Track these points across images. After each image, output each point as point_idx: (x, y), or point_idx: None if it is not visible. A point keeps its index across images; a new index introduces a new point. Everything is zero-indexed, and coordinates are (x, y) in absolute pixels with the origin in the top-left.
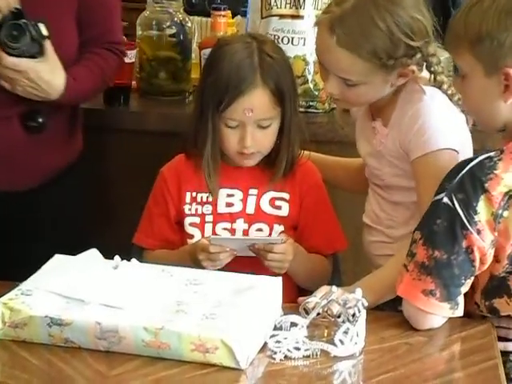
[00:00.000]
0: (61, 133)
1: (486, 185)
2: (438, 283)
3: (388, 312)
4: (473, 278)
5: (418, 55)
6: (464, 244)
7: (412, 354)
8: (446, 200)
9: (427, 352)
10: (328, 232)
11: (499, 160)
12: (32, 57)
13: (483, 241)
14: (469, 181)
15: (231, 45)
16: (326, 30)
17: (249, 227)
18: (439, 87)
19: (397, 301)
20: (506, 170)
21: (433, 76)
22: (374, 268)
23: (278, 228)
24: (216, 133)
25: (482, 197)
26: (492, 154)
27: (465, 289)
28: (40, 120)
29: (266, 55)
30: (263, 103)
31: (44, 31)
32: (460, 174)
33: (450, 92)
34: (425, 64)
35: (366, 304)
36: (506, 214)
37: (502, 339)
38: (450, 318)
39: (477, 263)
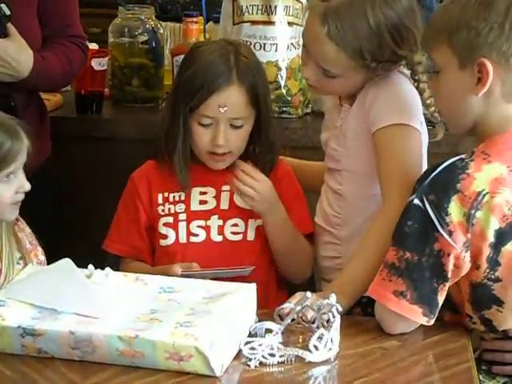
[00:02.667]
0: (30, 132)
1: (458, 185)
2: (409, 285)
3: (362, 317)
4: (447, 283)
5: (403, 62)
6: (435, 246)
7: (386, 359)
8: (416, 202)
9: (401, 356)
10: (303, 215)
11: (471, 160)
12: None
13: (455, 243)
14: (440, 182)
15: (207, 46)
16: (319, 17)
17: (224, 223)
18: (420, 95)
19: (368, 303)
20: (479, 170)
21: (416, 83)
22: (322, 274)
23: (253, 223)
24: (187, 131)
25: (454, 197)
26: (463, 155)
27: (440, 297)
28: (12, 104)
29: (241, 56)
30: (238, 101)
31: (6, 11)
32: (431, 176)
33: (428, 102)
34: (410, 72)
35: (341, 309)
36: (478, 214)
37: None
38: (421, 327)
39: (449, 267)
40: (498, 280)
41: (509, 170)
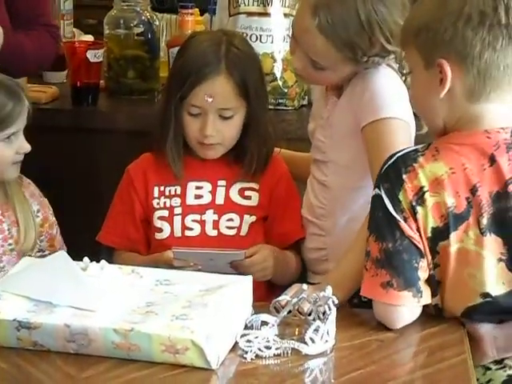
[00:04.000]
0: None
1: (404, 176)
2: (392, 273)
3: (358, 309)
4: (424, 259)
5: (391, 56)
6: (401, 230)
7: (383, 351)
8: (377, 191)
9: (398, 348)
10: (296, 219)
11: (422, 154)
12: None
13: (410, 228)
14: (392, 171)
15: (202, 35)
16: (310, 9)
17: (219, 218)
18: (408, 89)
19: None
20: (423, 166)
21: (404, 78)
22: (309, 267)
23: (249, 218)
24: (178, 120)
25: (401, 187)
26: (420, 147)
27: (422, 273)
28: None
29: (233, 47)
30: (225, 91)
31: None
32: (387, 164)
33: None
34: (397, 66)
35: (337, 301)
36: (419, 209)
37: None
38: (419, 316)
39: (419, 243)
40: (437, 265)
41: (451, 171)
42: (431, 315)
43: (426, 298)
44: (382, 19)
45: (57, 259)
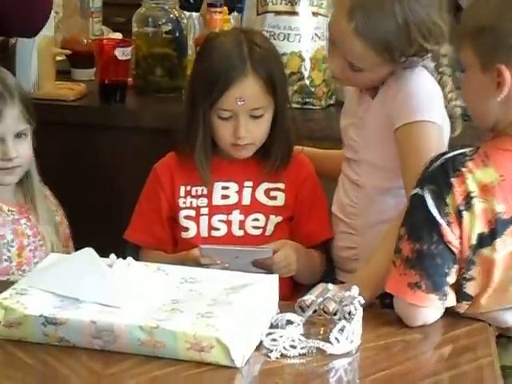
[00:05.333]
0: None
1: (452, 180)
2: (422, 275)
3: (383, 309)
4: (456, 265)
5: (429, 55)
6: (440, 233)
7: (408, 352)
8: (419, 191)
9: (422, 350)
10: (322, 220)
11: (471, 159)
12: None
13: (453, 233)
14: (440, 173)
15: (220, 37)
16: (346, 12)
17: (245, 218)
18: (442, 89)
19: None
20: (473, 171)
21: (439, 76)
22: (338, 264)
23: (274, 219)
24: (207, 125)
25: (450, 190)
26: (467, 150)
27: (451, 279)
28: None
29: (255, 45)
30: (255, 92)
31: None
32: (433, 166)
33: (449, 96)
34: (434, 64)
35: (363, 302)
36: (465, 214)
37: None
38: (444, 316)
39: (457, 250)
40: (471, 279)
41: (501, 179)
42: (457, 316)
43: (451, 300)
44: (418, 19)
45: (83, 256)
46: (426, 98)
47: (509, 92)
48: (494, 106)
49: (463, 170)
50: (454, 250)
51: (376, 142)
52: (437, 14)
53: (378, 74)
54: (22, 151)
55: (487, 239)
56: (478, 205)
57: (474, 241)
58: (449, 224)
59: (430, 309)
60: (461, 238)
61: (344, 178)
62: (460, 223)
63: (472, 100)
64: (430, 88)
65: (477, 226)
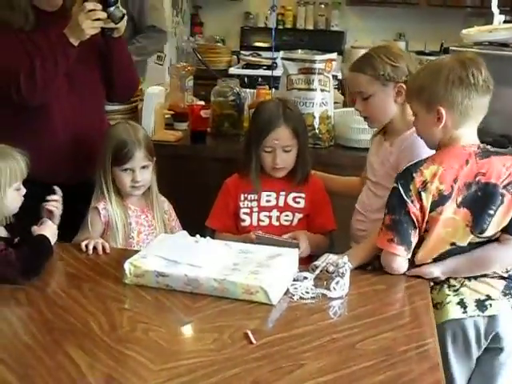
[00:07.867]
0: None
1: (415, 174)
2: (396, 234)
3: (364, 271)
4: (417, 230)
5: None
6: (407, 209)
7: (378, 296)
8: (395, 184)
9: (386, 294)
10: (328, 217)
11: (425, 162)
12: None
13: (415, 207)
14: (408, 173)
15: (265, 103)
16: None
17: (280, 215)
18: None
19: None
20: (426, 168)
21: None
22: (353, 239)
23: (298, 215)
24: (257, 156)
25: (413, 181)
26: (423, 159)
27: (413, 238)
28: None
29: (287, 108)
30: (285, 136)
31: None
32: (403, 169)
33: None
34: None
35: (351, 266)
36: (423, 194)
37: None
38: (400, 277)
39: (416, 220)
40: (426, 230)
41: (443, 169)
42: (410, 277)
43: (410, 253)
44: (395, 70)
45: (180, 235)
46: (422, 154)
47: (445, 122)
48: (436, 132)
49: (421, 167)
50: (414, 218)
51: (388, 175)
52: (408, 63)
53: (378, 96)
54: (145, 177)
55: (434, 205)
56: (430, 187)
57: (429, 207)
58: (412, 202)
59: (400, 258)
60: (421, 208)
61: (368, 190)
62: (420, 199)
63: (423, 132)
64: (425, 150)
65: (430, 199)
